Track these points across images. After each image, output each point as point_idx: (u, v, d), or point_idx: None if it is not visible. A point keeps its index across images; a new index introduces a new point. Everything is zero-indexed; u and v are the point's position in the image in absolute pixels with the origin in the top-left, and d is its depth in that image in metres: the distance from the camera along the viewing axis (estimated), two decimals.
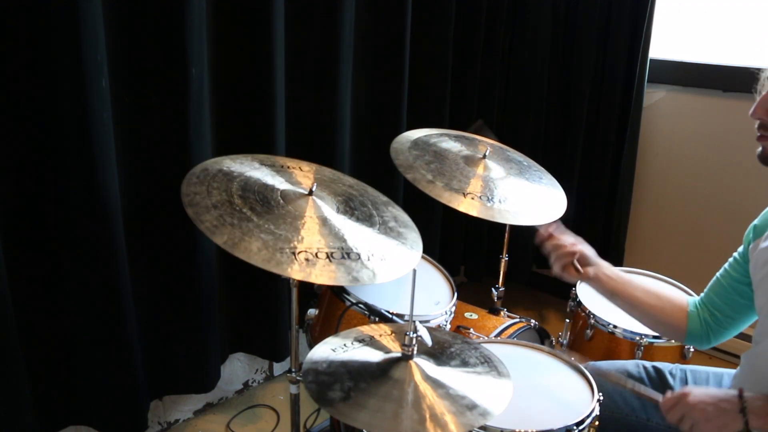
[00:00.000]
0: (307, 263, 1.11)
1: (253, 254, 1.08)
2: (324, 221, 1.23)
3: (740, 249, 1.25)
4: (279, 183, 1.32)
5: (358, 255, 1.18)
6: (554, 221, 1.37)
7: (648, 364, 1.37)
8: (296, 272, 1.09)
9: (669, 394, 1.11)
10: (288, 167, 1.41)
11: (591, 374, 1.25)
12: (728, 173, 2.40)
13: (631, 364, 1.38)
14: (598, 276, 1.33)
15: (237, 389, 2.16)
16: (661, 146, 2.58)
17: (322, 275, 1.11)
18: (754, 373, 1.14)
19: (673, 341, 1.57)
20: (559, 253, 1.33)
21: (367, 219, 1.33)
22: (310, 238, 1.17)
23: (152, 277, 1.66)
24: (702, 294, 1.33)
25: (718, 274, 1.29)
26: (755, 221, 1.21)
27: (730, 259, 1.27)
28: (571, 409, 1.17)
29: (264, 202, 1.22)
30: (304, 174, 1.40)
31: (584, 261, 1.33)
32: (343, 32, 1.85)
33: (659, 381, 1.33)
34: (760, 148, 1.10)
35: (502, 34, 2.51)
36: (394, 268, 1.22)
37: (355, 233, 1.25)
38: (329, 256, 1.15)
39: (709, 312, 1.29)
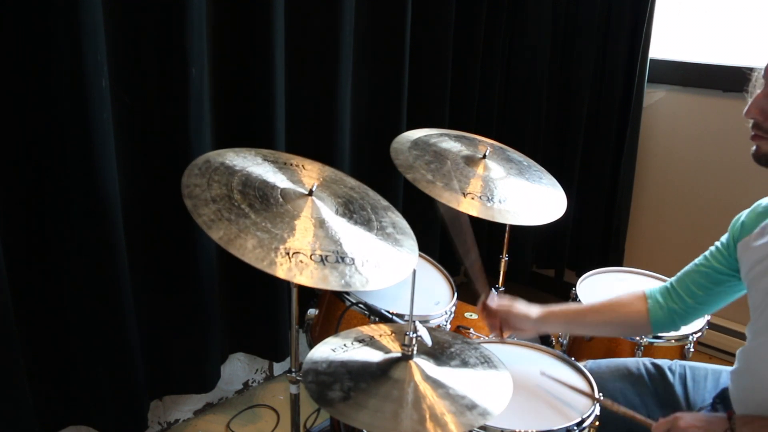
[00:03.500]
0: (300, 265, 1.10)
1: (247, 252, 1.07)
2: (321, 223, 1.22)
3: (723, 239, 1.25)
4: (280, 181, 1.30)
5: (353, 260, 1.17)
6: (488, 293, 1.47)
7: (648, 361, 1.37)
8: (289, 274, 1.07)
9: (661, 420, 1.14)
10: (292, 164, 1.40)
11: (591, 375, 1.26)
12: (728, 173, 2.40)
13: (631, 362, 1.38)
14: (543, 325, 1.42)
15: (237, 389, 2.16)
16: (661, 146, 2.57)
17: (315, 278, 1.09)
18: (749, 370, 1.15)
19: (673, 341, 1.58)
20: (491, 327, 1.44)
21: (365, 223, 1.32)
22: (305, 239, 1.16)
23: (152, 276, 1.66)
24: (672, 280, 1.33)
25: (696, 261, 1.30)
26: (743, 217, 1.21)
27: (712, 248, 1.28)
28: (571, 409, 1.17)
29: (263, 199, 1.21)
30: (307, 173, 1.39)
31: (515, 323, 1.41)
32: (343, 32, 1.85)
33: (659, 377, 1.33)
34: (754, 147, 1.11)
35: (502, 34, 2.51)
36: (388, 276, 1.21)
37: (352, 237, 1.24)
38: (323, 259, 1.13)
39: (679, 298, 1.30)
